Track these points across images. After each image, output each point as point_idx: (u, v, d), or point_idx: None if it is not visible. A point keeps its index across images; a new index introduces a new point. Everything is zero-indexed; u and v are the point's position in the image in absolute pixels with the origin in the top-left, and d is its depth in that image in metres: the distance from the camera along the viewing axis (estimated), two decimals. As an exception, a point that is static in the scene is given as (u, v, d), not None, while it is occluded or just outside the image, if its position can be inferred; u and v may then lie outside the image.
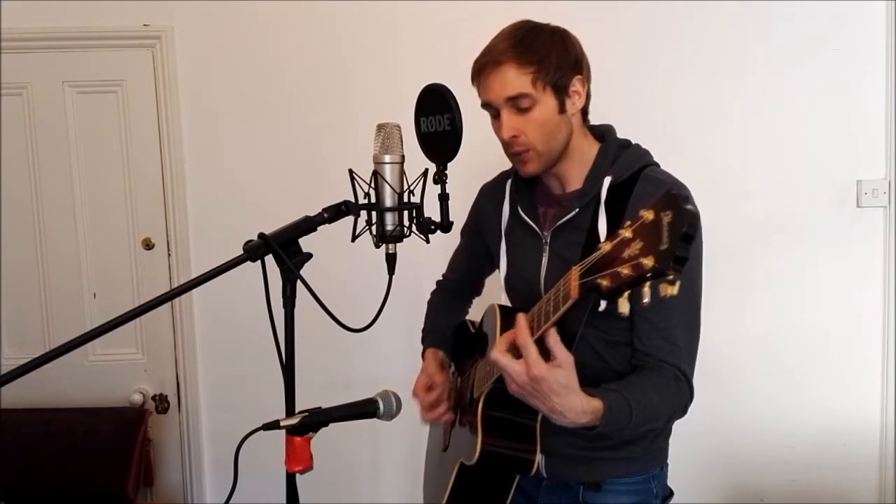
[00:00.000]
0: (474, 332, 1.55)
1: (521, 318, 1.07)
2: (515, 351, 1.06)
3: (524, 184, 1.40)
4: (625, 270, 0.84)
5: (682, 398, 1.22)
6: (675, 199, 0.80)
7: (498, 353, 1.07)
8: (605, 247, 0.89)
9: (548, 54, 1.21)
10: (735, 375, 2.38)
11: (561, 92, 1.23)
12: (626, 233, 0.86)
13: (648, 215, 0.83)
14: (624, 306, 0.85)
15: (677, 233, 0.78)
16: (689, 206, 0.78)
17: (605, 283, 0.87)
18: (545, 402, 1.05)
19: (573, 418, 1.07)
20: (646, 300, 0.82)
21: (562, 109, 1.24)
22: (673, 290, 0.80)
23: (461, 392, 1.47)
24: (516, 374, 1.04)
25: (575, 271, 0.96)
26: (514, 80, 1.21)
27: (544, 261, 1.32)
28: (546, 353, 1.05)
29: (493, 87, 1.23)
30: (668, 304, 1.17)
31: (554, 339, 1.04)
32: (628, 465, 1.33)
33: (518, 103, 1.22)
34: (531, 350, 1.03)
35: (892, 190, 2.35)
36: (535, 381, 1.03)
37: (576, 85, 1.25)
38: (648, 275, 0.81)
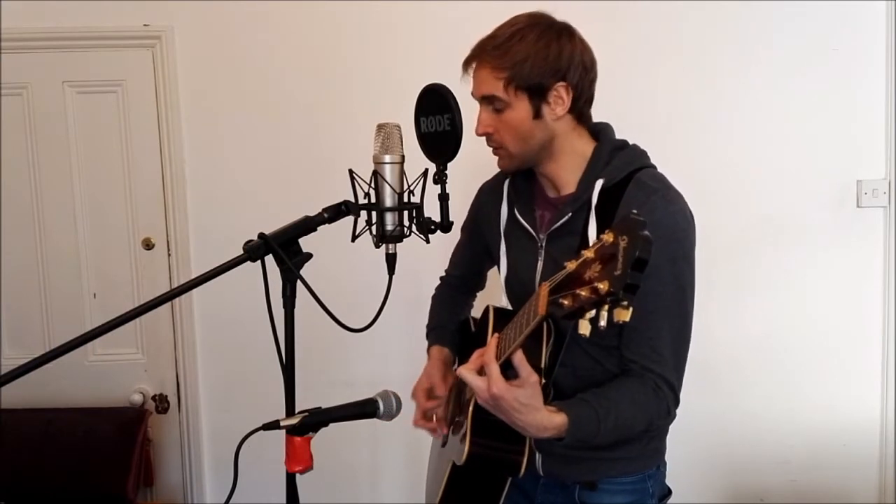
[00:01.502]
0: (475, 332, 1.55)
1: (493, 339, 1.14)
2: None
3: (522, 184, 1.39)
4: (583, 292, 0.85)
5: (661, 407, 1.23)
6: (633, 225, 0.81)
7: (464, 369, 1.14)
8: (571, 266, 0.90)
9: (524, 60, 1.19)
10: (735, 375, 2.39)
11: (537, 98, 1.22)
12: (589, 253, 0.87)
13: (608, 238, 0.84)
14: (584, 328, 0.86)
15: (630, 259, 0.79)
16: (643, 233, 0.79)
17: (566, 302, 0.89)
18: (506, 416, 1.11)
19: (534, 433, 1.13)
20: (602, 324, 0.84)
21: (537, 115, 1.23)
22: (626, 315, 0.82)
23: (460, 390, 1.47)
24: (479, 390, 1.11)
25: (544, 288, 0.98)
26: (486, 80, 1.22)
27: (540, 264, 1.32)
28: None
29: (473, 83, 1.26)
30: (657, 312, 1.19)
31: (519, 358, 1.08)
32: (624, 465, 1.33)
33: (492, 103, 1.23)
34: (493, 369, 1.09)
35: (892, 190, 2.35)
36: (494, 399, 1.09)
37: (558, 91, 1.22)
38: (606, 299, 0.82)
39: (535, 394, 1.09)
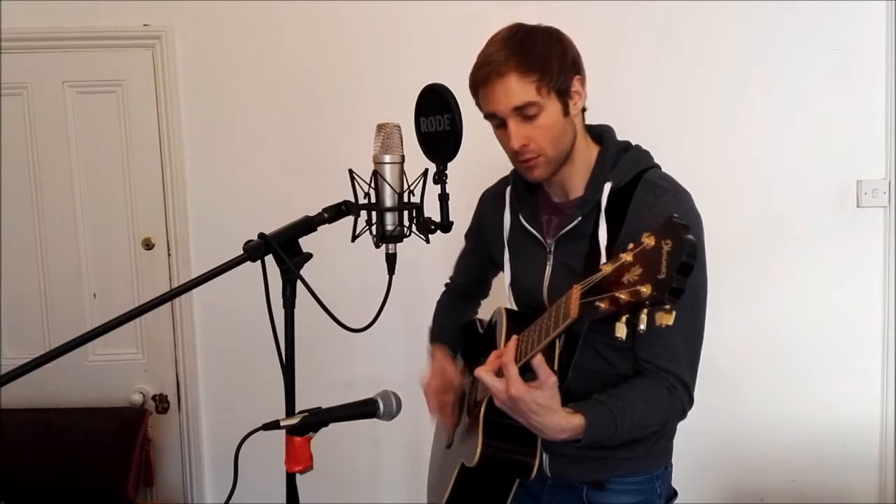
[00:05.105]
0: (483, 333, 1.55)
1: (512, 340, 1.14)
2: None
3: (524, 191, 1.39)
4: (623, 295, 0.85)
5: (675, 406, 1.23)
6: (676, 228, 0.81)
7: (482, 370, 1.14)
8: (607, 269, 0.90)
9: (549, 59, 1.19)
10: (735, 375, 2.38)
11: (564, 95, 1.22)
12: (627, 257, 0.87)
13: (649, 241, 0.84)
14: (620, 331, 0.86)
15: (675, 263, 0.79)
16: (688, 237, 0.79)
17: (603, 305, 0.89)
18: (524, 418, 1.11)
19: (552, 435, 1.12)
20: (641, 327, 0.84)
21: (566, 112, 1.23)
22: (669, 319, 0.82)
23: (468, 392, 1.47)
24: (497, 391, 1.10)
25: (576, 290, 0.98)
26: (518, 89, 1.19)
27: (548, 269, 1.32)
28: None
29: (498, 98, 1.21)
30: None
31: (538, 360, 1.08)
32: (632, 465, 1.33)
33: (524, 112, 1.20)
34: (511, 371, 1.09)
35: (892, 190, 2.35)
36: (512, 400, 1.09)
37: (576, 85, 1.24)
38: (646, 302, 0.82)
39: (553, 395, 1.09)
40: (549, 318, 1.07)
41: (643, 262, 0.84)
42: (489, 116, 1.25)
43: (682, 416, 1.26)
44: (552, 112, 1.22)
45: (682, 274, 0.79)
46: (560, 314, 1.02)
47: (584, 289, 0.95)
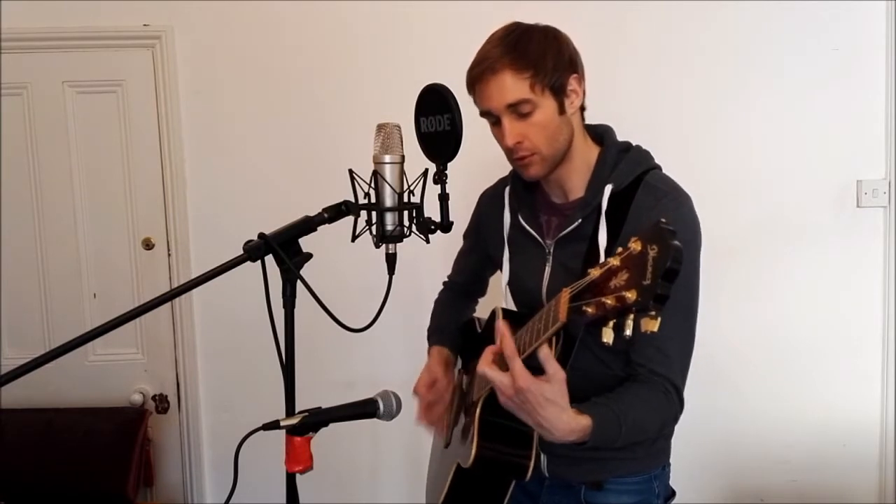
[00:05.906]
0: (480, 332, 1.55)
1: (506, 336, 1.07)
2: (503, 362, 1.06)
3: (524, 192, 1.39)
4: (609, 301, 0.84)
5: (670, 411, 1.22)
6: (662, 233, 0.79)
7: (485, 364, 1.08)
8: (594, 273, 0.89)
9: (543, 57, 1.20)
10: (735, 375, 2.39)
11: (559, 93, 1.22)
12: (615, 261, 0.86)
13: (636, 246, 0.83)
14: (607, 336, 0.85)
15: (660, 269, 0.78)
16: (674, 242, 0.78)
17: (590, 310, 0.87)
18: (532, 415, 1.05)
19: (561, 436, 1.06)
20: (627, 333, 0.82)
21: (562, 110, 1.23)
22: (654, 326, 0.80)
23: (465, 391, 1.47)
24: (503, 386, 1.05)
25: (565, 294, 0.96)
26: (512, 86, 1.19)
27: (547, 270, 1.32)
28: (540, 368, 1.05)
29: (492, 95, 1.21)
30: (665, 314, 1.17)
31: (545, 353, 1.03)
32: (630, 465, 1.33)
33: (518, 109, 1.20)
34: (516, 363, 1.04)
35: (892, 190, 2.35)
36: (520, 393, 1.03)
37: (572, 84, 1.24)
38: (632, 308, 0.81)
39: (561, 391, 1.04)
40: (540, 321, 1.06)
41: (630, 267, 0.83)
42: (484, 114, 1.26)
43: (675, 420, 1.26)
44: (547, 110, 1.21)
45: (667, 280, 0.78)
46: (550, 318, 1.01)
47: (573, 293, 0.94)
